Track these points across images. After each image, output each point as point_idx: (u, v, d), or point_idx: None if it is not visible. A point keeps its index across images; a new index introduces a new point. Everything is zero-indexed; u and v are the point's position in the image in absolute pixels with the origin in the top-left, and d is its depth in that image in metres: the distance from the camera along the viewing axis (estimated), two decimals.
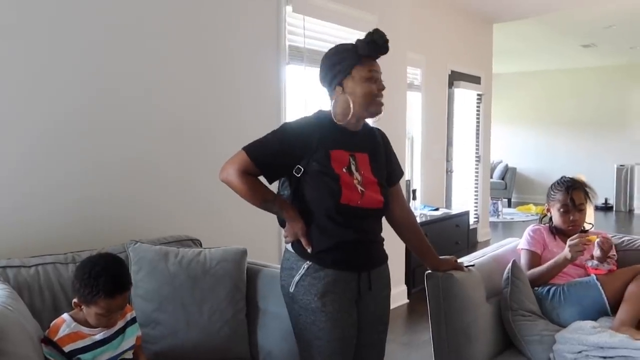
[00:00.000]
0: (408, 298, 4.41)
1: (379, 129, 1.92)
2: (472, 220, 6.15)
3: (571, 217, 2.32)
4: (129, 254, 2.03)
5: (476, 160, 6.56)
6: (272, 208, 1.73)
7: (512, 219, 8.49)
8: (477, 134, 6.53)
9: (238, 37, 2.95)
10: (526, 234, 2.42)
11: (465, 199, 6.45)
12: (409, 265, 4.36)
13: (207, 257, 2.08)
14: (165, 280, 1.99)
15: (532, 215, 8.72)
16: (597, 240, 2.17)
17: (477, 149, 6.55)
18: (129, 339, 1.71)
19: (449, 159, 6.07)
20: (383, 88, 1.74)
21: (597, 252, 2.19)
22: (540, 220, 2.50)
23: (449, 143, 6.07)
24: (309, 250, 1.69)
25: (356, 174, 1.73)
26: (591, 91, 9.90)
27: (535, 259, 2.32)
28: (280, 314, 1.99)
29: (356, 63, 1.71)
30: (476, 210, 6.52)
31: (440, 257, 2.08)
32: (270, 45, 3.16)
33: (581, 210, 2.33)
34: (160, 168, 2.59)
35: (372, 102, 1.72)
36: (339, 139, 1.74)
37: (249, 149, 1.71)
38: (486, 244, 6.48)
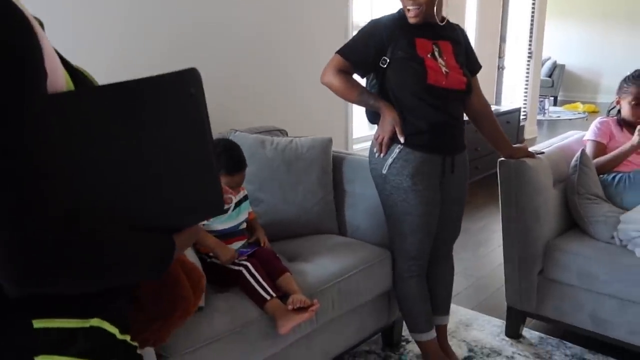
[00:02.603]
0: None
1: (459, 26, 2.02)
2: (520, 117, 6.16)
3: None
4: None
5: (528, 57, 6.43)
6: (368, 100, 1.90)
7: (559, 117, 8.40)
8: (531, 29, 6.33)
9: None
10: (593, 126, 2.51)
11: (514, 96, 6.42)
12: None
13: (299, 145, 2.28)
14: (264, 164, 2.20)
15: (578, 113, 8.59)
16: None
17: (529, 45, 6.39)
18: (243, 213, 1.95)
19: (501, 55, 5.97)
20: None
21: None
22: (608, 112, 2.57)
23: (502, 39, 5.94)
24: (402, 140, 1.86)
25: (440, 60, 1.86)
26: None
27: (600, 149, 2.44)
28: (366, 194, 2.21)
29: None
30: (525, 107, 6.50)
31: (514, 145, 2.24)
32: None
33: None
34: (249, 68, 2.78)
35: (405, 11, 1.84)
36: (421, 29, 1.86)
37: (341, 50, 1.92)
38: (532, 141, 6.52)
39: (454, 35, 1.96)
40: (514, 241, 2.29)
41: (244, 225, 1.96)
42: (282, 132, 2.52)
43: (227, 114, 2.67)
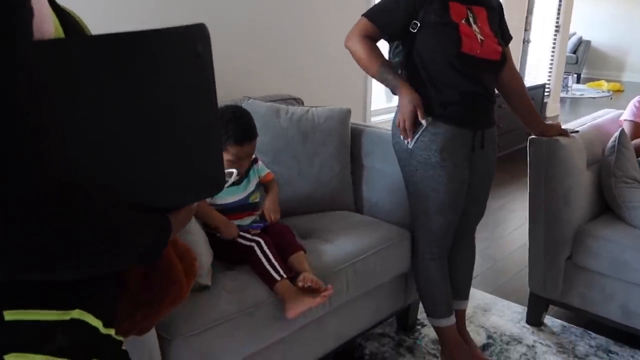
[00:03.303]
0: None
1: None
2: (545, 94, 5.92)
3: None
4: None
5: (555, 31, 6.14)
6: (387, 75, 1.73)
7: (582, 95, 8.11)
8: (560, 2, 6.03)
9: None
10: (631, 105, 2.33)
11: (538, 72, 6.16)
12: None
13: (315, 115, 2.13)
14: (278, 134, 2.06)
15: (603, 92, 8.28)
16: None
17: (557, 18, 6.09)
18: (253, 182, 1.81)
19: (527, 28, 5.70)
20: None
21: None
22: None
23: (529, 11, 5.66)
24: (424, 123, 1.70)
25: (474, 26, 1.69)
26: None
27: (638, 130, 2.26)
28: (386, 170, 2.06)
29: None
30: (549, 84, 6.24)
31: (547, 123, 2.06)
32: None
33: None
34: (266, 34, 2.61)
35: None
36: None
37: (367, 13, 1.76)
38: (554, 119, 6.29)
39: (489, 1, 1.77)
40: (541, 224, 2.14)
41: (256, 197, 1.83)
42: (298, 101, 2.37)
43: (239, 79, 2.51)
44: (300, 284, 1.57)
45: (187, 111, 0.71)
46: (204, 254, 1.51)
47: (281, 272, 1.56)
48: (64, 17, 0.68)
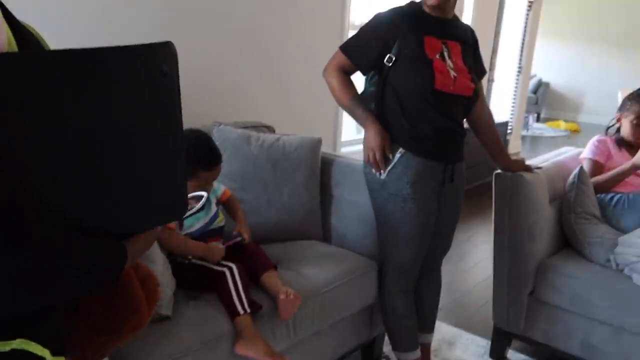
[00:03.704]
0: None
1: (470, 27, 1.87)
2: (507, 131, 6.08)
3: None
4: (213, 134, 2.06)
5: (517, 72, 6.36)
6: (358, 110, 1.74)
7: (542, 133, 8.37)
8: (522, 44, 6.26)
9: None
10: (591, 144, 2.40)
11: (501, 110, 6.33)
12: None
13: (286, 143, 2.11)
14: (248, 162, 2.03)
15: (561, 131, 8.57)
16: None
17: (520, 60, 6.32)
18: (213, 203, 1.76)
19: (491, 68, 5.89)
20: None
21: None
22: (607, 130, 2.46)
23: (494, 52, 5.85)
24: (391, 157, 1.71)
25: (449, 61, 1.71)
26: (637, 7, 9.29)
27: (597, 168, 2.32)
28: (355, 200, 2.05)
29: None
30: (511, 121, 6.43)
31: (513, 158, 2.10)
32: None
33: None
34: (240, 60, 2.60)
35: None
36: (431, 26, 1.72)
37: (343, 46, 1.78)
38: (516, 155, 6.44)
39: (464, 35, 1.81)
40: (505, 258, 2.15)
41: (221, 221, 1.77)
42: (269, 129, 2.35)
43: (211, 106, 2.48)
44: (282, 296, 1.55)
45: (150, 132, 0.67)
46: (165, 283, 1.45)
47: (246, 305, 1.51)
48: (20, 31, 0.65)
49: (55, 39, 0.80)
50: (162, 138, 0.68)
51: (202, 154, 1.61)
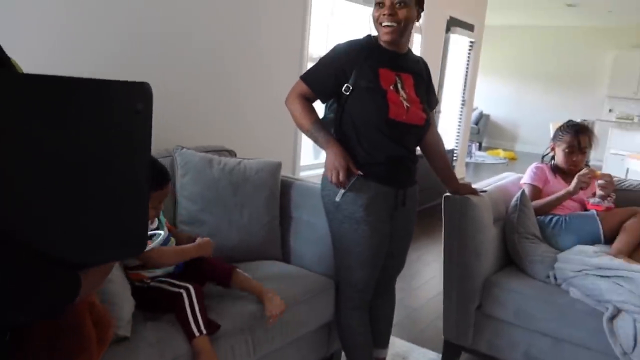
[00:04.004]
0: None
1: (423, 59, 1.89)
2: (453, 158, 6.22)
3: (574, 158, 2.35)
4: (175, 158, 1.99)
5: (461, 104, 6.54)
6: (319, 133, 1.71)
7: (483, 161, 8.62)
8: (465, 79, 6.47)
9: None
10: (530, 170, 2.45)
11: (447, 139, 6.49)
12: None
13: (247, 167, 2.06)
14: (209, 185, 1.96)
15: (500, 159, 8.85)
16: (601, 182, 2.21)
17: (463, 94, 6.52)
18: (164, 224, 1.69)
19: (438, 101, 6.03)
20: (389, 13, 1.63)
21: (600, 190, 2.25)
22: (542, 158, 2.53)
23: (440, 86, 6.01)
24: (359, 173, 1.67)
25: (402, 92, 1.71)
26: (565, 49, 9.82)
27: (536, 192, 2.37)
28: (313, 222, 2.01)
29: None
30: (456, 149, 6.59)
31: (460, 182, 2.12)
32: None
33: (584, 153, 2.36)
34: (202, 85, 2.54)
35: (380, 29, 1.68)
36: (385, 59, 1.72)
37: (304, 75, 1.75)
38: (461, 180, 6.58)
39: (417, 68, 1.81)
40: (454, 276, 2.15)
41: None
42: (231, 153, 2.29)
43: (173, 131, 2.41)
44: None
45: (117, 167, 0.63)
46: (124, 304, 1.36)
47: (202, 327, 1.43)
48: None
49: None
50: (128, 174, 0.65)
51: (151, 174, 1.53)
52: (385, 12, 1.63)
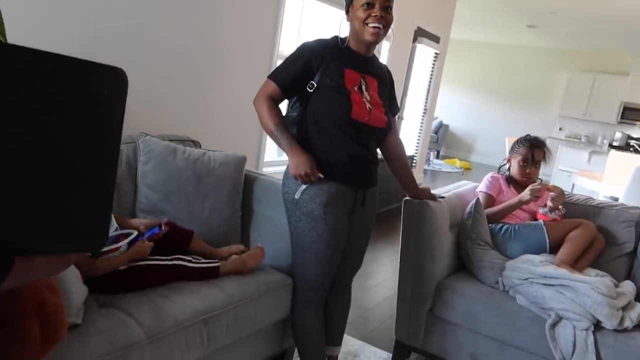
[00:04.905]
0: None
1: (387, 67, 1.91)
2: (412, 164, 6.34)
3: (527, 170, 2.43)
4: (138, 145, 1.93)
5: (423, 113, 6.67)
6: (282, 135, 1.68)
7: (440, 169, 8.82)
8: (428, 89, 6.60)
9: None
10: (485, 180, 2.53)
11: (407, 145, 6.60)
12: None
13: (211, 159, 2.03)
14: (172, 174, 1.92)
15: (456, 168, 9.09)
16: (552, 194, 2.30)
17: (425, 103, 6.65)
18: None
19: (401, 108, 6.13)
20: (380, 15, 1.64)
21: (550, 202, 2.34)
22: (499, 169, 2.61)
23: (404, 93, 6.11)
24: (321, 176, 1.67)
25: (366, 94, 1.72)
26: (523, 68, 10.19)
27: (490, 200, 2.44)
28: (274, 217, 2.00)
29: None
30: (416, 156, 6.71)
31: (419, 187, 2.16)
32: None
33: (537, 167, 2.45)
34: (170, 73, 2.48)
35: (364, 29, 1.67)
36: (352, 60, 1.73)
37: (272, 74, 1.73)
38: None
39: (381, 73, 1.84)
40: (409, 278, 2.19)
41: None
42: (196, 144, 2.25)
43: (137, 118, 2.34)
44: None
45: (75, 152, 0.59)
46: (74, 290, 1.31)
47: (213, 259, 1.72)
48: None
49: None
50: (92, 163, 0.60)
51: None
52: (377, 13, 1.64)
